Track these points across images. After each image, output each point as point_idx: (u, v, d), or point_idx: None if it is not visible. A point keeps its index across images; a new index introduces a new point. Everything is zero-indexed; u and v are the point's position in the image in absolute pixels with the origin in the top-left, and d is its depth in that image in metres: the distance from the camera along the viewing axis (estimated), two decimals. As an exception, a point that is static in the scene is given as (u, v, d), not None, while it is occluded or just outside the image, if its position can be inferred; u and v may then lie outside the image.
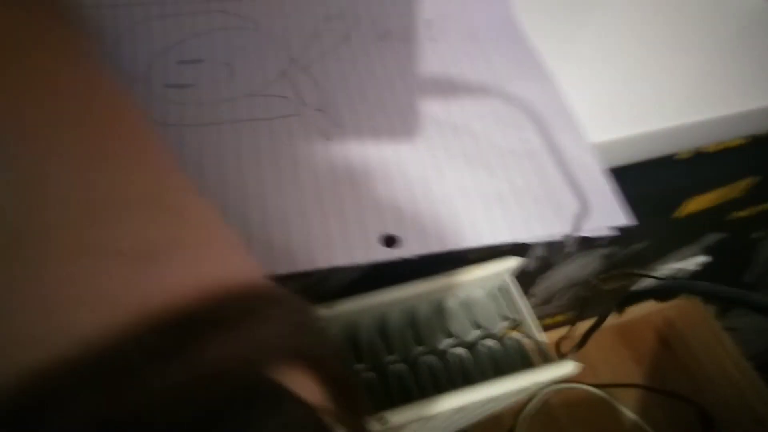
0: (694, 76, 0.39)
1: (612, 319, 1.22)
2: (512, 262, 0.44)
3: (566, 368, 0.38)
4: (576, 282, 0.79)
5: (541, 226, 0.30)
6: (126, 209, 0.15)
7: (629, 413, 1.12)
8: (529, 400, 1.12)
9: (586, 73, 0.38)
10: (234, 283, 0.15)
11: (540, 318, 0.98)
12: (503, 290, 0.45)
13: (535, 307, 0.90)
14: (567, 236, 0.30)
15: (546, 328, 1.03)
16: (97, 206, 0.15)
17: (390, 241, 0.29)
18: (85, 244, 0.14)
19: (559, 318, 1.00)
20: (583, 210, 0.30)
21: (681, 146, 0.42)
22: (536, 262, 0.64)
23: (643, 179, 0.51)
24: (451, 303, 0.45)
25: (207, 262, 0.16)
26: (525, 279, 0.72)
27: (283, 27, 0.38)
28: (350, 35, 0.38)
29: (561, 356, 0.41)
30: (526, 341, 0.44)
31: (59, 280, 0.13)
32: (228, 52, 0.35)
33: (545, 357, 0.41)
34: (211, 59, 0.35)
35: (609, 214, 0.31)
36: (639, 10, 0.43)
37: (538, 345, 0.42)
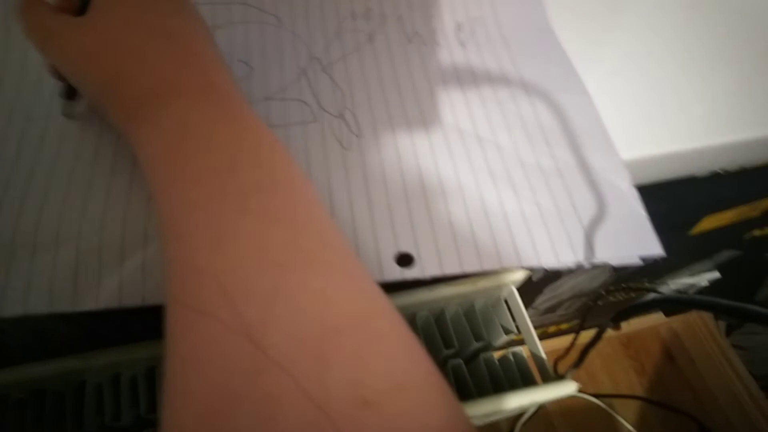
0: (723, 95, 0.38)
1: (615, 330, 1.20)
2: (518, 275, 0.43)
3: (566, 388, 0.38)
4: (584, 293, 0.78)
5: (566, 251, 0.28)
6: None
7: (627, 425, 1.11)
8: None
9: (608, 88, 0.37)
10: None
11: (544, 326, 0.98)
12: (506, 302, 0.45)
13: (540, 315, 0.89)
14: (593, 263, 0.28)
15: (549, 335, 1.03)
16: None
17: (404, 259, 0.27)
18: None
19: (564, 326, 0.99)
20: (612, 237, 0.28)
21: (706, 167, 0.41)
22: (543, 272, 0.64)
23: (660, 197, 0.50)
24: (453, 312, 0.45)
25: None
26: (532, 288, 0.71)
27: (305, 23, 0.36)
28: (375, 36, 0.37)
29: (559, 374, 0.40)
30: (527, 355, 0.43)
31: None
32: (247, 48, 0.34)
33: (545, 374, 0.41)
34: (228, 55, 0.34)
35: (639, 242, 0.28)
36: (665, 20, 0.42)
37: (538, 361, 0.41)
